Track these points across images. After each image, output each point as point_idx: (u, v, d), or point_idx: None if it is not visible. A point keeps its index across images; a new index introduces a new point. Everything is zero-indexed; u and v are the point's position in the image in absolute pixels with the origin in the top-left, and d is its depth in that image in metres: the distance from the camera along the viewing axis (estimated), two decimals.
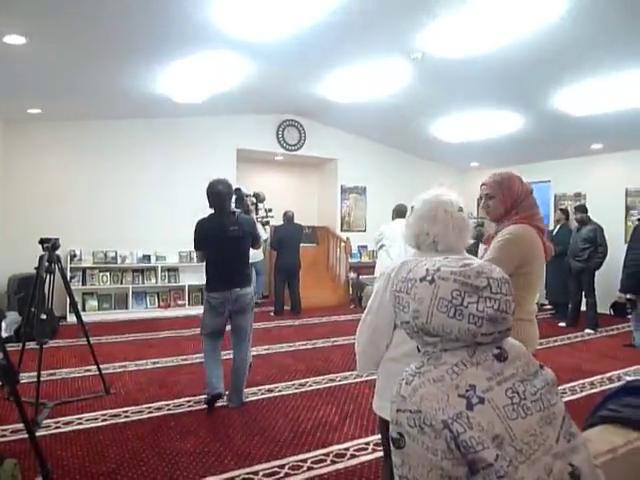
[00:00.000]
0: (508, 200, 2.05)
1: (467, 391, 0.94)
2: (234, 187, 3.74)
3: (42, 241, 3.65)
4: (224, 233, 3.51)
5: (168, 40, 4.57)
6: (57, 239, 3.70)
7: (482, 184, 2.13)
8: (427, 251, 1.66)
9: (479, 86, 5.88)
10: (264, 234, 4.34)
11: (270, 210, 4.89)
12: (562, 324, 6.83)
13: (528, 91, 5.95)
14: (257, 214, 4.40)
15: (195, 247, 3.68)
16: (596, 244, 6.52)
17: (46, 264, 3.60)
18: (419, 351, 1.11)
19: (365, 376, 4.49)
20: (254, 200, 4.41)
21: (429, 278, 1.02)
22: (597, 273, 6.66)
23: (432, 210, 1.66)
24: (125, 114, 7.12)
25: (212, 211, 3.59)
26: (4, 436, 3.07)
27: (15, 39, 4.03)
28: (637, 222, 4.71)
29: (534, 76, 5.40)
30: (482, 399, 0.94)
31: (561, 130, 7.08)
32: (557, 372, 1.14)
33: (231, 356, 3.80)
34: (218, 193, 3.50)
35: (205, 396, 3.62)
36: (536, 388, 1.00)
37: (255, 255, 6.13)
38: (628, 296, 4.68)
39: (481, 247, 2.23)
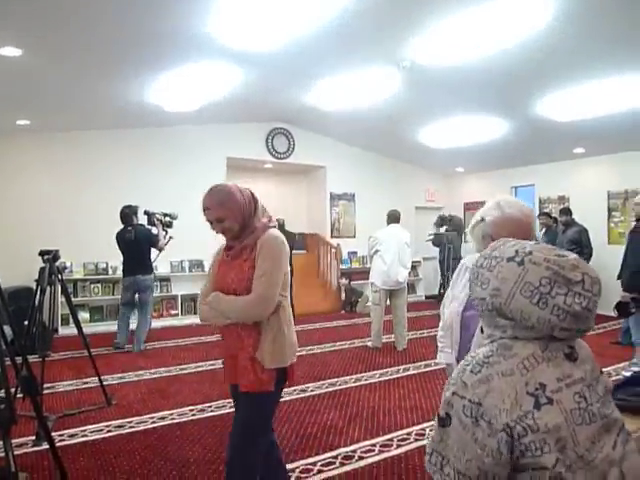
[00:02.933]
0: (239, 216, 1.95)
1: (536, 389, 0.92)
2: (145, 209, 5.82)
3: (42, 253, 3.65)
4: (126, 238, 5.65)
5: (159, 50, 4.61)
6: (57, 250, 3.69)
7: (205, 208, 1.96)
8: None
9: (465, 93, 6.03)
10: (163, 240, 5.77)
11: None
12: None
13: (512, 97, 6.12)
14: (168, 227, 5.96)
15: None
16: (581, 245, 6.69)
17: (46, 276, 3.59)
18: (482, 332, 1.08)
19: (364, 380, 4.56)
20: (162, 218, 5.89)
21: (518, 259, 0.98)
22: None
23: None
24: (116, 124, 7.11)
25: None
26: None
27: (11, 51, 4.04)
28: (636, 221, 4.80)
29: (518, 83, 5.56)
30: (551, 400, 0.91)
31: (544, 135, 7.27)
32: None
33: None
34: (122, 213, 5.73)
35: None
36: (599, 395, 0.98)
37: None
38: (633, 295, 4.74)
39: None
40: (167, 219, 5.99)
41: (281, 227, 7.66)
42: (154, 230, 5.80)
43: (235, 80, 5.66)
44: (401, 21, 4.29)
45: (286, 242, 1.99)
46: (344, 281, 8.91)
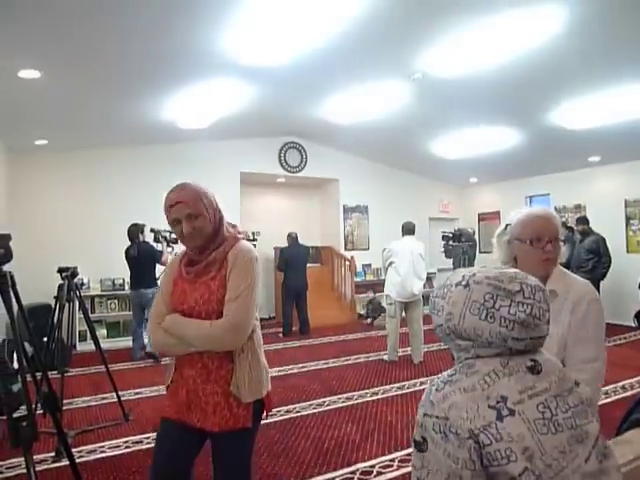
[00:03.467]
0: (212, 216, 1.68)
1: (498, 402, 0.94)
2: (151, 227, 6.07)
3: (60, 270, 3.70)
4: (130, 254, 6.07)
5: (173, 68, 4.69)
6: (75, 267, 3.75)
7: (174, 203, 1.62)
8: None
9: (477, 103, 6.03)
10: (166, 256, 6.00)
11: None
12: None
13: (525, 106, 6.10)
14: (174, 243, 6.16)
15: None
16: (599, 254, 6.60)
17: (65, 292, 3.64)
18: (453, 358, 1.13)
19: (381, 394, 4.52)
20: (167, 235, 6.09)
21: (464, 283, 1.04)
22: (609, 286, 6.71)
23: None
24: (131, 141, 7.23)
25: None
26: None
27: (30, 73, 4.14)
28: None
29: (531, 92, 5.54)
30: (513, 411, 0.93)
31: (559, 144, 7.22)
32: None
33: None
34: (129, 231, 6.14)
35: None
36: (568, 405, 0.99)
37: None
38: None
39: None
40: (172, 236, 6.17)
41: (294, 240, 7.70)
42: (159, 247, 6.12)
43: (247, 96, 5.73)
44: (412, 33, 4.32)
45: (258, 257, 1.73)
46: (370, 295, 8.90)
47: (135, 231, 6.15)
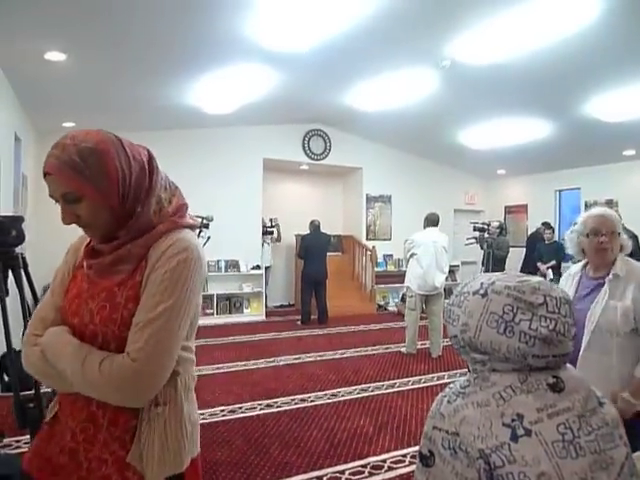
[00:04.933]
0: (112, 194, 1.02)
1: (513, 420, 0.87)
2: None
3: None
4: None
5: (199, 53, 4.67)
6: None
7: (44, 172, 1.02)
8: None
9: (507, 92, 5.84)
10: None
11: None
12: None
13: (558, 97, 5.88)
14: (205, 227, 6.22)
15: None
16: (631, 253, 6.37)
17: None
18: (469, 370, 1.05)
19: (397, 387, 4.47)
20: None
21: (482, 292, 0.97)
22: None
23: None
24: (156, 125, 7.25)
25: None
26: None
27: (56, 55, 4.16)
28: None
29: (563, 82, 5.34)
30: (529, 431, 0.86)
31: (591, 136, 6.97)
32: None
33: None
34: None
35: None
36: (592, 427, 0.91)
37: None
38: None
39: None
40: (204, 221, 6.28)
41: (316, 228, 7.65)
42: None
43: (272, 82, 5.67)
44: (441, 19, 4.19)
45: (204, 256, 1.11)
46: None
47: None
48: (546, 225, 7.97)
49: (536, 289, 0.94)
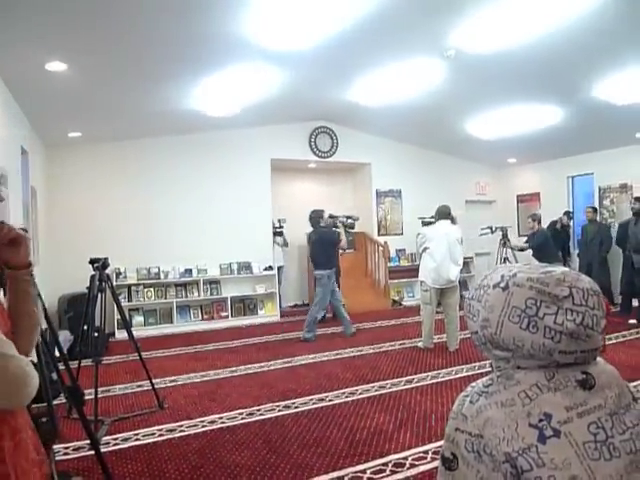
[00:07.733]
0: None
1: (540, 421, 0.82)
2: (330, 213, 6.85)
3: (92, 261, 3.74)
4: (312, 239, 6.63)
5: (199, 55, 4.65)
6: (106, 258, 3.78)
7: None
8: None
9: (515, 79, 5.75)
10: (343, 237, 6.66)
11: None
12: (632, 321, 6.50)
13: (566, 81, 5.77)
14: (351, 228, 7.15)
15: None
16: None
17: (97, 283, 3.69)
18: (492, 368, 1.01)
19: (415, 382, 4.42)
20: (344, 221, 6.86)
21: (503, 284, 0.91)
22: None
23: None
24: (161, 131, 7.28)
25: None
26: (67, 454, 3.13)
27: (56, 66, 4.17)
28: None
29: (571, 66, 5.23)
30: (558, 432, 0.80)
31: (602, 120, 6.83)
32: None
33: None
34: (310, 217, 6.61)
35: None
36: (626, 426, 0.85)
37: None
38: None
39: None
40: (349, 221, 7.10)
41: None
42: (341, 231, 6.81)
43: (275, 81, 5.64)
44: (443, 8, 4.12)
45: None
46: None
47: (316, 217, 6.57)
48: (567, 214, 8.47)
49: (561, 280, 0.88)
